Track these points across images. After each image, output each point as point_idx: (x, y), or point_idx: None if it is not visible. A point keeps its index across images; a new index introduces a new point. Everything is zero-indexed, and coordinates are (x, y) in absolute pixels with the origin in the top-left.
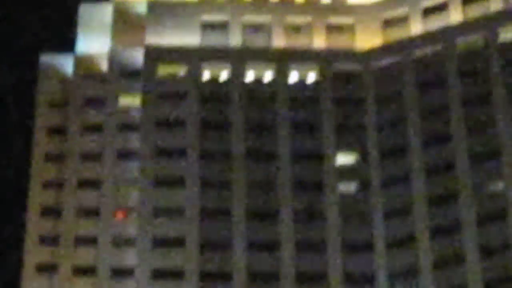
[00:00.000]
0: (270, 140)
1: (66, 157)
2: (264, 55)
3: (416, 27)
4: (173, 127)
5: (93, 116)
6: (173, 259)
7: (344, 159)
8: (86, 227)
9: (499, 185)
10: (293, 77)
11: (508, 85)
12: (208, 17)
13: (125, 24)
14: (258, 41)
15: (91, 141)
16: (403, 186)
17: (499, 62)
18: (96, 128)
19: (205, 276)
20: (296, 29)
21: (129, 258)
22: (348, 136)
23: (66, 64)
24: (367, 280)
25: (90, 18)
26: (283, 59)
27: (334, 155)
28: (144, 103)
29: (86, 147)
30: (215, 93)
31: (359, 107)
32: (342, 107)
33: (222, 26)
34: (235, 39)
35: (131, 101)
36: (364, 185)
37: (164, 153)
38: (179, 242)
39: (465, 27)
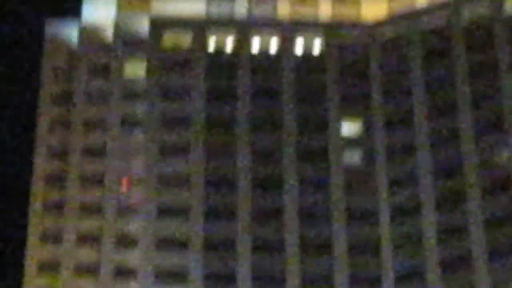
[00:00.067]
0: (276, 109)
1: (71, 125)
2: (270, 25)
3: None
4: (179, 96)
5: (98, 85)
6: (178, 226)
7: (349, 128)
8: (91, 196)
9: (504, 156)
10: (298, 47)
11: None
12: None
13: None
14: (263, 11)
15: (96, 110)
16: (408, 155)
17: (505, 34)
18: (101, 97)
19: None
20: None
21: (134, 226)
22: (353, 105)
23: (71, 33)
24: (372, 248)
25: None
26: (288, 29)
27: (339, 124)
28: (149, 72)
29: (91, 115)
30: (220, 63)
31: (364, 77)
32: (348, 77)
33: None
34: (240, 9)
35: (136, 70)
36: (369, 155)
37: (169, 121)
38: (184, 210)
39: None
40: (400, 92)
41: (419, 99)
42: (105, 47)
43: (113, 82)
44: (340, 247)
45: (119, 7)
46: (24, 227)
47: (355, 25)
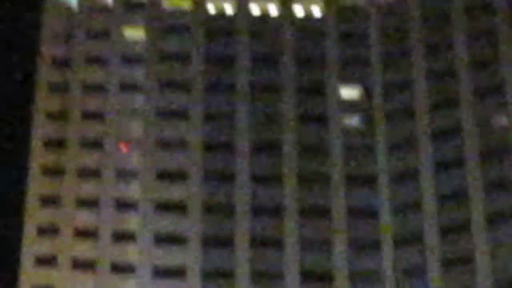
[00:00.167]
0: (275, 74)
1: (69, 89)
2: None
3: None
4: (178, 60)
5: (97, 48)
6: (176, 191)
7: (348, 92)
8: (89, 159)
9: (503, 120)
10: (298, 11)
11: None
12: None
13: None
14: None
15: (95, 74)
16: (406, 119)
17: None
18: (100, 61)
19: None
20: None
21: (133, 189)
22: (352, 70)
23: None
24: (370, 213)
25: None
26: None
27: (338, 88)
28: (148, 35)
29: (90, 79)
30: (220, 26)
31: (363, 42)
32: (347, 42)
33: None
34: None
35: (135, 33)
36: (368, 119)
37: (168, 85)
38: (181, 175)
39: None
40: (399, 55)
41: (418, 63)
42: (104, 11)
43: (113, 46)
44: (338, 211)
45: None
46: (23, 193)
47: None
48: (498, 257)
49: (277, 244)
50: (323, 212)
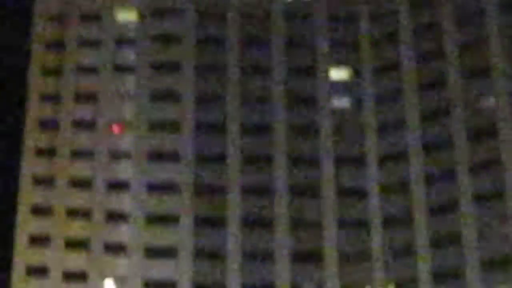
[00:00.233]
0: (265, 55)
1: (62, 71)
2: None
3: None
4: (169, 41)
5: (89, 30)
6: (168, 172)
7: (338, 74)
8: (82, 140)
9: (491, 101)
10: None
11: (501, 1)
12: None
13: None
14: None
15: (88, 55)
16: (395, 101)
17: None
18: (93, 43)
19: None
20: None
21: (125, 171)
22: (342, 52)
23: None
24: (360, 193)
25: None
26: None
27: (327, 70)
28: (140, 17)
29: (83, 61)
30: (211, 9)
31: (353, 24)
32: (337, 23)
33: None
34: None
35: (128, 15)
36: (357, 101)
37: (160, 67)
38: (174, 156)
39: None
40: (388, 36)
41: (406, 45)
42: None
43: (105, 28)
44: (328, 191)
45: None
46: (17, 174)
47: None
48: (485, 236)
49: (268, 224)
50: (313, 191)
